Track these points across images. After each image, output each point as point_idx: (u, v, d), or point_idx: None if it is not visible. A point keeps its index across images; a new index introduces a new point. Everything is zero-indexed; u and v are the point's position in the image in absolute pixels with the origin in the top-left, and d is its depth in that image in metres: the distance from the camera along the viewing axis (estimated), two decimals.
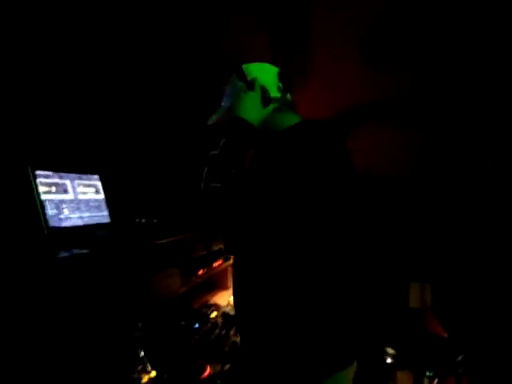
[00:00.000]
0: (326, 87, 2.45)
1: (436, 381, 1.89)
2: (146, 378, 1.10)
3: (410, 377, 1.97)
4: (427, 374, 1.86)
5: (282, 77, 1.21)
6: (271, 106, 1.16)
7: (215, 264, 2.16)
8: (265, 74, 1.19)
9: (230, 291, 2.51)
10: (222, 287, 2.55)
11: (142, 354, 1.13)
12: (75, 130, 1.71)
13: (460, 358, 1.89)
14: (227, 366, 1.39)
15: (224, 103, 1.26)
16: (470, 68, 2.19)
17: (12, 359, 0.94)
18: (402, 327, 2.34)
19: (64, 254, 1.22)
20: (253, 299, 1.04)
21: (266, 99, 1.16)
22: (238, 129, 1.19)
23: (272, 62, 1.25)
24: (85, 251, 1.25)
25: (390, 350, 2.00)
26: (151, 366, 1.14)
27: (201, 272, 1.97)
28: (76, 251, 1.25)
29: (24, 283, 1.07)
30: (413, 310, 3.02)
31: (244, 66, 1.21)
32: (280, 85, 1.19)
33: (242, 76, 1.19)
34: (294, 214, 0.96)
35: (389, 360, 1.99)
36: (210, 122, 1.29)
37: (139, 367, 1.11)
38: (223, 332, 1.72)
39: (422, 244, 2.97)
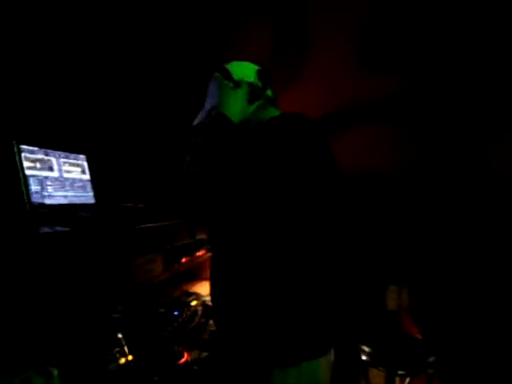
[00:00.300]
0: (320, 86, 2.46)
1: (408, 380, 1.94)
2: (122, 360, 1.10)
3: (383, 375, 2.00)
4: (399, 372, 1.90)
5: (261, 74, 1.24)
6: (256, 103, 1.20)
7: (198, 253, 2.15)
8: (248, 72, 1.22)
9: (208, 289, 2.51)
10: (203, 277, 2.55)
11: (120, 336, 1.12)
12: (64, 109, 1.68)
13: (432, 359, 1.93)
14: (205, 354, 1.39)
15: (207, 104, 1.27)
16: (460, 69, 2.23)
17: None
18: (378, 327, 2.38)
19: (45, 230, 1.20)
20: (228, 286, 1.06)
21: (254, 96, 1.20)
22: (221, 123, 1.20)
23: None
24: (67, 229, 1.23)
25: (366, 348, 2.03)
26: (128, 349, 1.13)
27: (184, 260, 1.97)
28: (58, 229, 1.23)
29: (3, 257, 1.05)
30: (390, 312, 3.07)
31: (228, 66, 1.23)
32: (259, 83, 1.22)
33: (227, 75, 1.20)
34: (268, 201, 0.99)
35: (364, 357, 2.03)
36: (196, 122, 1.29)
37: (116, 349, 1.10)
38: (202, 320, 1.72)
39: (401, 246, 3.02)
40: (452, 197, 2.70)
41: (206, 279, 2.54)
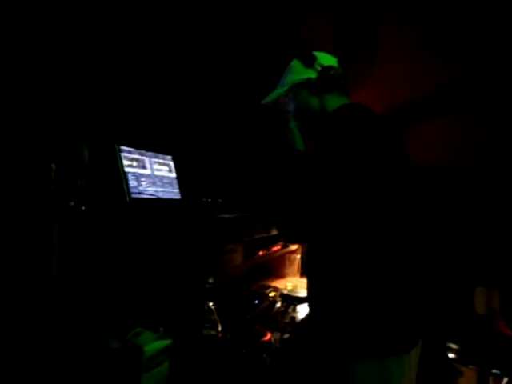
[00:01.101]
0: (390, 78, 2.43)
1: (506, 380, 1.79)
2: (213, 331, 1.20)
3: (474, 374, 1.87)
4: (493, 371, 1.77)
5: (341, 63, 1.27)
6: (335, 91, 1.22)
7: (274, 248, 2.23)
8: (331, 62, 1.25)
9: (287, 279, 2.56)
10: (278, 275, 2.61)
11: (212, 304, 1.22)
12: (154, 115, 1.89)
13: None
14: (286, 335, 1.44)
15: (281, 86, 1.30)
16: None
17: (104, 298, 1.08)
18: (466, 326, 2.23)
19: (146, 218, 1.37)
20: (325, 281, 1.09)
21: (336, 82, 1.21)
22: (301, 114, 1.26)
23: (334, 52, 1.31)
24: (162, 216, 1.39)
25: (454, 345, 1.93)
26: (219, 318, 1.24)
27: (261, 253, 2.05)
28: (155, 216, 1.40)
29: (109, 245, 1.22)
30: (479, 315, 2.85)
31: (315, 52, 1.27)
32: (341, 70, 1.24)
33: (312, 61, 1.24)
34: (348, 198, 0.99)
35: (451, 355, 1.92)
36: (266, 101, 1.34)
37: (209, 317, 1.21)
38: (282, 309, 1.78)
39: (489, 248, 2.80)
40: None
41: (281, 276, 2.60)
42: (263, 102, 1.36)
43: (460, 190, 2.70)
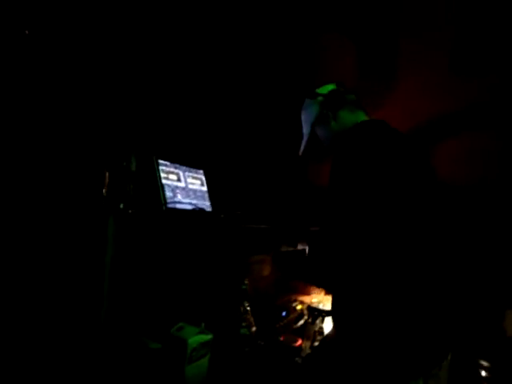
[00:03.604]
0: (414, 95, 2.50)
1: None
2: (250, 329, 1.24)
3: None
4: None
5: (339, 84, 1.39)
6: (345, 107, 1.31)
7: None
8: (329, 86, 1.38)
9: (312, 296, 2.58)
10: (303, 292, 2.62)
11: (247, 305, 1.27)
12: (188, 131, 2.01)
13: None
14: (316, 343, 1.47)
15: (304, 129, 1.43)
16: None
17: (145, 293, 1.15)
18: (498, 345, 2.18)
19: (181, 226, 1.45)
20: (347, 293, 1.08)
21: (339, 100, 1.32)
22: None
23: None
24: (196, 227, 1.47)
25: (485, 363, 1.89)
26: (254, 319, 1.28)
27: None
28: (190, 225, 1.48)
29: (151, 247, 1.30)
30: (510, 338, 2.77)
31: (315, 90, 1.40)
32: (340, 88, 1.36)
33: (314, 95, 1.37)
34: (368, 213, 1.01)
35: (483, 373, 1.88)
36: (301, 151, 1.47)
37: (245, 316, 1.25)
38: (310, 320, 1.80)
39: None
40: None
41: (306, 294, 2.61)
42: (300, 153, 1.48)
43: (487, 207, 2.69)
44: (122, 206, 1.14)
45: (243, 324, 1.24)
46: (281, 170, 2.43)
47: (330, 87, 1.38)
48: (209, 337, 1.06)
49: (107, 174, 1.12)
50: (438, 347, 1.03)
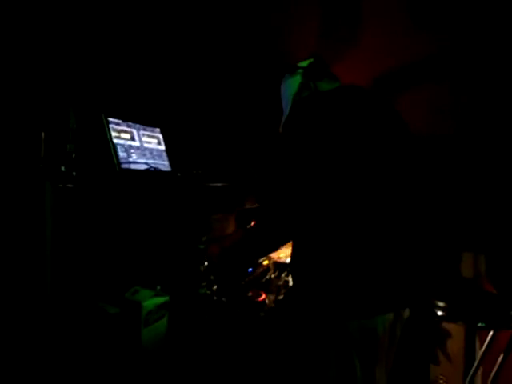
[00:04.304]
0: (377, 47, 2.44)
1: (491, 333, 1.87)
2: (208, 289, 1.23)
3: (462, 329, 1.96)
4: (479, 325, 1.85)
5: (317, 57, 1.37)
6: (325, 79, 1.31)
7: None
8: (304, 62, 1.35)
9: (280, 250, 2.61)
10: None
11: (207, 264, 1.25)
12: (142, 87, 1.87)
13: None
14: (281, 297, 1.48)
15: (285, 103, 1.39)
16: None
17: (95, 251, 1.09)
18: (454, 286, 2.32)
19: (137, 187, 1.38)
20: (307, 249, 1.12)
21: (320, 69, 1.33)
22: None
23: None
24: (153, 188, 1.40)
25: (441, 303, 2.00)
26: (213, 278, 1.27)
27: (253, 223, 2.08)
28: (147, 185, 1.41)
29: (101, 211, 1.23)
30: (466, 278, 2.94)
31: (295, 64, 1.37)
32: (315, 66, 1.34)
33: (294, 70, 1.36)
34: (330, 172, 1.03)
35: (439, 313, 1.99)
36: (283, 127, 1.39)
37: (206, 275, 1.24)
38: (275, 274, 1.82)
39: (475, 214, 2.87)
40: None
41: None
42: (282, 129, 1.40)
43: (445, 155, 2.75)
44: (63, 168, 1.05)
45: (203, 284, 1.23)
46: (243, 126, 2.35)
47: (310, 61, 1.37)
48: (164, 299, 1.03)
49: (43, 133, 1.01)
50: (388, 295, 1.07)
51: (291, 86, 1.34)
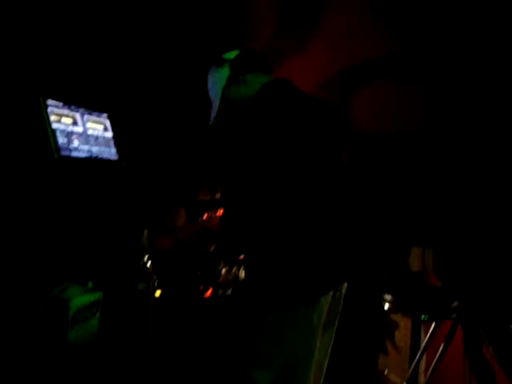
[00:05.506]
0: (337, 40, 2.44)
1: (433, 324, 1.95)
2: (157, 294, 1.18)
3: (409, 321, 2.03)
4: (422, 317, 1.92)
5: (245, 49, 1.34)
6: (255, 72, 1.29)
7: (220, 212, 2.21)
8: (231, 54, 1.32)
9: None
10: None
11: (147, 259, 1.19)
12: (87, 69, 1.74)
13: (455, 304, 1.94)
14: (229, 291, 1.45)
15: (213, 94, 1.33)
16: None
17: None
18: (402, 280, 2.39)
19: (75, 178, 1.28)
20: (252, 237, 1.13)
21: (249, 63, 1.30)
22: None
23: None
24: (95, 176, 1.31)
25: (388, 296, 2.06)
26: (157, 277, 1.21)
27: (205, 216, 2.03)
28: (87, 176, 1.31)
29: (32, 200, 1.13)
30: (414, 272, 3.06)
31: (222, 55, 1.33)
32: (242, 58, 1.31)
33: (221, 62, 1.31)
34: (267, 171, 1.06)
35: (386, 306, 2.05)
36: (212, 121, 1.36)
37: (146, 273, 1.18)
38: (226, 267, 1.79)
39: (423, 209, 2.97)
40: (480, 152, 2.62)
41: None
42: (212, 123, 1.35)
43: (400, 152, 2.82)
44: None
45: (142, 279, 1.16)
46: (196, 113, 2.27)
47: (236, 52, 1.32)
48: (96, 296, 0.97)
49: None
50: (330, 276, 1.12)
51: (220, 78, 1.29)
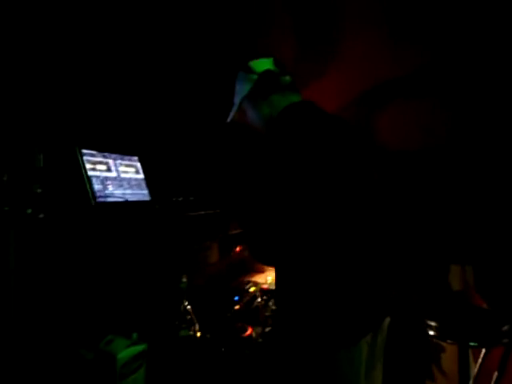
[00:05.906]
0: (356, 63, 2.45)
1: (483, 351, 1.84)
2: (191, 331, 1.17)
3: (455, 348, 1.92)
4: (471, 344, 1.82)
5: (276, 62, 1.32)
6: (276, 91, 1.27)
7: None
8: (265, 64, 1.30)
9: (266, 274, 2.55)
10: (258, 270, 2.59)
11: (187, 303, 1.19)
12: (117, 116, 1.82)
13: (506, 328, 1.83)
14: (268, 329, 1.43)
15: (236, 99, 1.35)
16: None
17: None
18: (444, 302, 2.29)
19: (112, 222, 1.32)
20: (288, 278, 1.10)
21: (273, 82, 1.27)
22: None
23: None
24: (130, 219, 1.34)
25: (432, 322, 1.96)
26: (196, 319, 1.20)
27: (238, 249, 2.03)
28: (123, 219, 1.35)
29: (74, 251, 1.16)
30: (455, 292, 2.93)
31: (250, 63, 1.32)
32: (276, 69, 1.29)
33: (250, 70, 1.30)
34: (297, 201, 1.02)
35: (431, 332, 1.96)
36: (229, 119, 1.40)
37: (186, 317, 1.17)
38: (262, 302, 1.76)
39: (461, 226, 2.87)
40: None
41: (260, 272, 2.58)
42: (228, 120, 1.40)
43: (429, 170, 2.76)
44: (30, 211, 0.99)
45: (183, 326, 1.16)
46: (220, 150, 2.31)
47: (266, 64, 1.30)
48: (141, 347, 0.97)
49: (5, 177, 0.95)
50: (371, 317, 1.07)
51: (243, 87, 1.29)
